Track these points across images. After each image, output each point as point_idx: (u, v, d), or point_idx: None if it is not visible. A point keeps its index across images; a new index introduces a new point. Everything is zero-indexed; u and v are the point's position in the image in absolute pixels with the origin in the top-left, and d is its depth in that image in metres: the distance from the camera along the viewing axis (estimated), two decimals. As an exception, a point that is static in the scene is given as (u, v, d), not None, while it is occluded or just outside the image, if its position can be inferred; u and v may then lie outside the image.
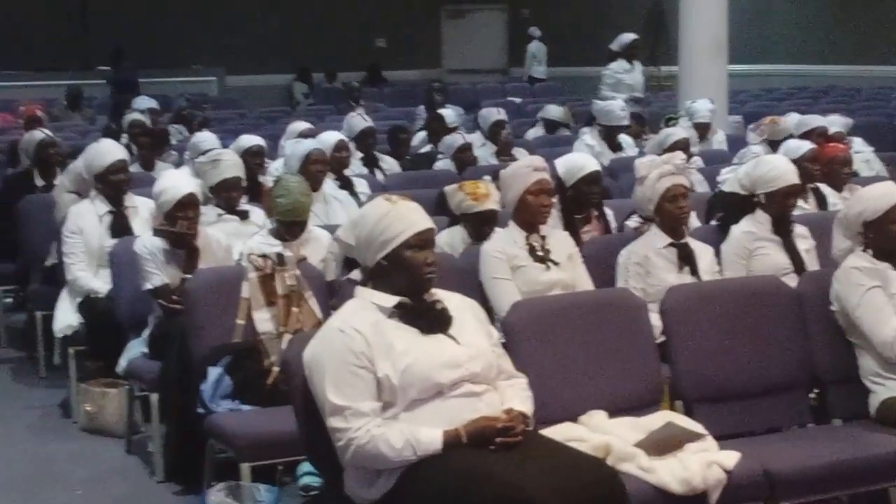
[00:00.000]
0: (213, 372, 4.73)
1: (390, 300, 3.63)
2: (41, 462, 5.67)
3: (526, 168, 5.20)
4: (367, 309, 3.63)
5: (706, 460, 3.84)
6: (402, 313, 3.63)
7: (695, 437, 3.96)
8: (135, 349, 5.49)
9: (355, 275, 3.79)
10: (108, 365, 5.77)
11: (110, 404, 5.84)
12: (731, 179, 5.70)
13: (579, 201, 5.87)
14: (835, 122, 8.26)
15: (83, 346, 6.12)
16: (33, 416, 6.32)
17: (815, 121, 8.13)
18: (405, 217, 3.68)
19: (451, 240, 5.78)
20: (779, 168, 5.44)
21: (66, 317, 6.14)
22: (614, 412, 4.13)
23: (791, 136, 7.97)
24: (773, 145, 8.14)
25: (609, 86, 12.19)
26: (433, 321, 3.66)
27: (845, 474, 4.03)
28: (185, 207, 5.36)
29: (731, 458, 3.89)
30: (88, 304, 6.02)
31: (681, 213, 5.18)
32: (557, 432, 3.94)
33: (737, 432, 4.28)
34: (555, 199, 5.49)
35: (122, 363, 5.52)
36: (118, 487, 5.29)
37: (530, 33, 21.23)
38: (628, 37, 12.22)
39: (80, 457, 5.68)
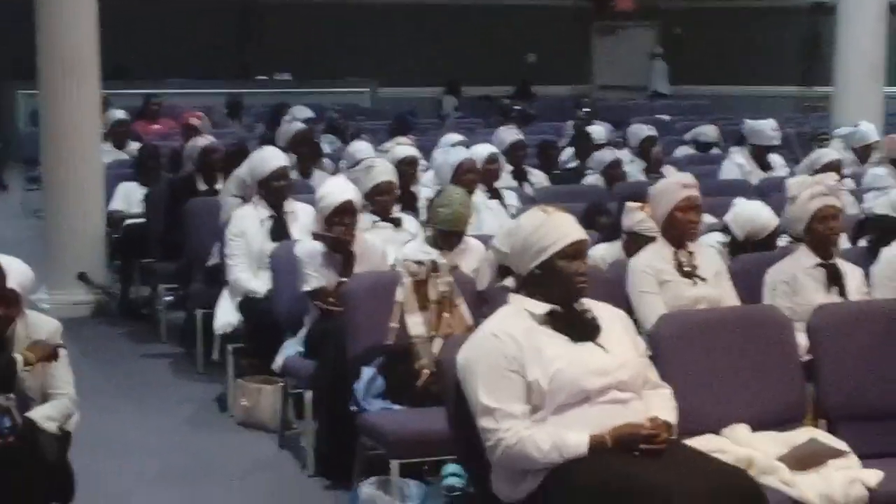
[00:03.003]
0: (367, 372, 4.91)
1: (542, 307, 3.76)
2: (198, 454, 5.94)
3: (675, 185, 5.29)
4: (519, 315, 3.77)
5: (848, 477, 3.89)
6: (553, 321, 3.76)
7: (838, 454, 4.00)
8: (290, 348, 5.72)
9: (509, 282, 3.93)
10: (263, 362, 6.01)
11: (265, 400, 6.08)
12: (882, 202, 5.69)
13: None
14: None
15: (241, 344, 6.38)
16: (191, 410, 6.60)
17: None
18: (559, 227, 3.80)
19: (607, 255, 5.87)
20: (935, 190, 5.43)
21: (227, 315, 6.41)
22: (757, 427, 4.18)
23: None
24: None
25: None
26: (583, 329, 3.78)
27: None
28: (343, 213, 5.58)
29: (874, 476, 3.92)
30: (247, 304, 6.28)
31: (831, 233, 5.20)
32: (700, 443, 4.01)
33: (882, 452, 4.27)
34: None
35: (279, 361, 5.75)
36: (271, 480, 5.52)
37: (653, 51, 21.40)
38: None
39: (235, 450, 5.93)
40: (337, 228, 5.58)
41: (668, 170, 9.51)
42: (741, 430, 4.17)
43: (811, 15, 20.08)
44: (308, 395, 5.41)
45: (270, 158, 6.60)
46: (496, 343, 3.69)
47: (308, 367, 5.47)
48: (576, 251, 3.79)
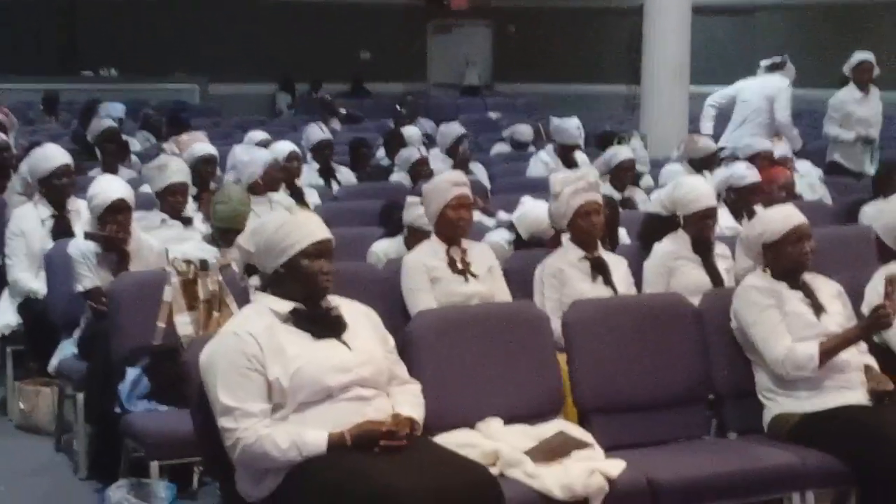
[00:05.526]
0: (132, 373, 4.85)
1: (286, 306, 3.77)
2: (-27, 458, 5.79)
3: (446, 183, 5.32)
4: (262, 314, 3.77)
5: (589, 468, 3.96)
6: (297, 319, 3.77)
7: (582, 445, 4.09)
8: (66, 349, 5.61)
9: (254, 281, 3.92)
10: (43, 365, 5.89)
11: (43, 403, 5.95)
12: (654, 200, 5.84)
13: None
14: (780, 147, 8.40)
15: (21, 346, 6.24)
16: (-29, 414, 6.43)
17: (760, 144, 8.27)
18: (303, 227, 3.82)
19: (389, 249, 5.92)
20: (696, 190, 5.58)
21: (5, 317, 6.24)
22: (512, 420, 4.25)
23: (713, 155, 8.44)
24: (693, 163, 8.33)
25: (833, 120, 9.86)
26: (326, 326, 3.79)
27: (729, 485, 4.17)
28: (116, 212, 5.49)
29: (615, 466, 4.01)
30: (27, 305, 6.14)
31: (593, 228, 5.31)
32: (451, 438, 4.08)
33: (633, 443, 4.38)
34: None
35: (54, 363, 5.65)
36: (42, 484, 5.41)
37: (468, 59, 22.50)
38: (859, 56, 9.90)
39: (10, 453, 5.79)
40: (110, 227, 5.50)
41: (476, 167, 9.64)
42: (494, 423, 4.24)
43: (637, 15, 20.46)
44: (80, 397, 5.32)
45: (51, 156, 6.44)
46: (237, 342, 3.68)
47: (81, 369, 5.38)
48: (320, 250, 3.80)
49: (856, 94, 9.82)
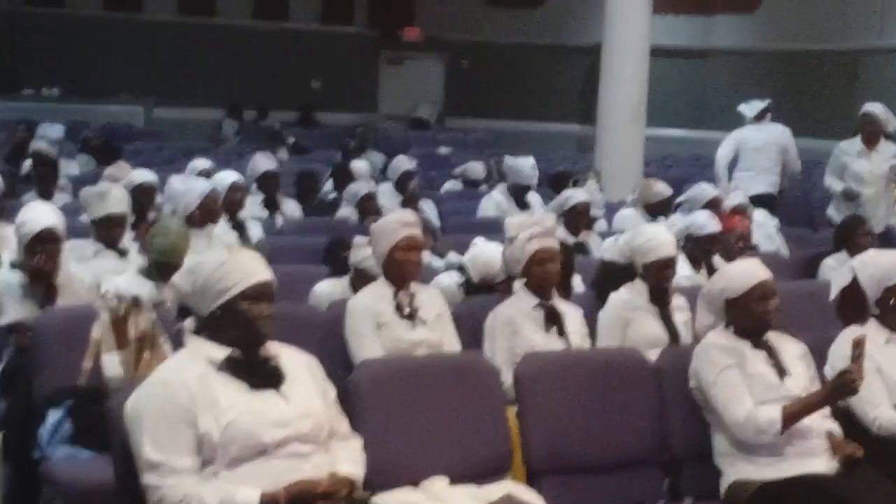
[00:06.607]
0: (54, 415, 4.56)
1: (221, 352, 3.52)
2: None
3: (395, 223, 5.07)
4: (196, 360, 3.51)
5: (539, 535, 3.74)
6: (232, 367, 3.51)
7: (531, 510, 3.85)
8: (-13, 385, 5.29)
9: (189, 323, 3.66)
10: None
11: (-39, 441, 5.63)
12: (611, 247, 5.64)
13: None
14: (736, 196, 8.24)
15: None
16: None
17: (709, 192, 8.11)
18: (243, 267, 3.57)
19: (333, 291, 5.67)
20: (656, 239, 5.38)
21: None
22: (458, 479, 4.00)
23: (668, 200, 8.34)
24: (648, 208, 8.17)
25: (833, 169, 9.29)
26: (263, 377, 3.55)
27: (684, 557, 3.95)
28: (44, 241, 5.20)
29: (565, 534, 3.78)
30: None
31: (549, 275, 5.11)
32: (393, 498, 3.83)
33: (582, 507, 4.17)
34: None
35: (-28, 399, 5.33)
36: (-46, 529, 5.08)
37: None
38: (863, 108, 9.23)
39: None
40: (37, 257, 5.20)
41: (426, 204, 9.41)
42: (439, 483, 3.99)
43: (593, 54, 20.42)
44: (-1, 436, 5.00)
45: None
46: (166, 391, 3.42)
47: (1, 407, 5.06)
48: (259, 293, 3.56)
49: (857, 146, 9.17)
